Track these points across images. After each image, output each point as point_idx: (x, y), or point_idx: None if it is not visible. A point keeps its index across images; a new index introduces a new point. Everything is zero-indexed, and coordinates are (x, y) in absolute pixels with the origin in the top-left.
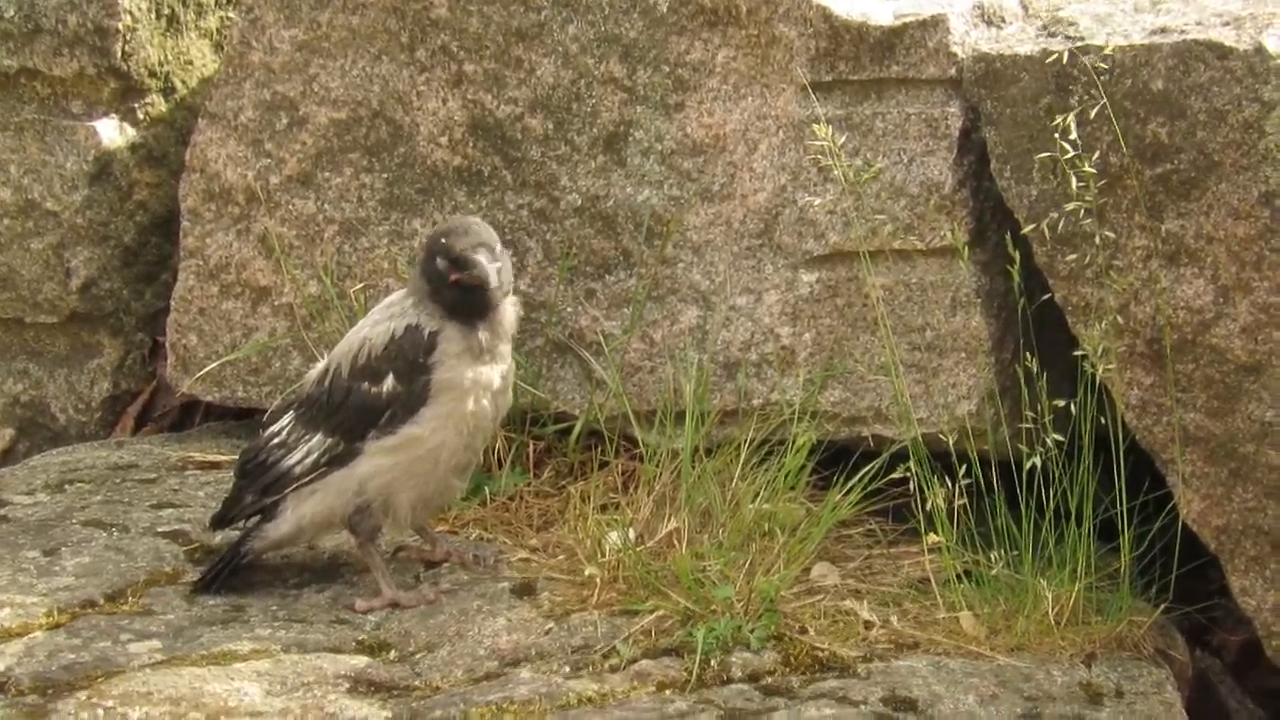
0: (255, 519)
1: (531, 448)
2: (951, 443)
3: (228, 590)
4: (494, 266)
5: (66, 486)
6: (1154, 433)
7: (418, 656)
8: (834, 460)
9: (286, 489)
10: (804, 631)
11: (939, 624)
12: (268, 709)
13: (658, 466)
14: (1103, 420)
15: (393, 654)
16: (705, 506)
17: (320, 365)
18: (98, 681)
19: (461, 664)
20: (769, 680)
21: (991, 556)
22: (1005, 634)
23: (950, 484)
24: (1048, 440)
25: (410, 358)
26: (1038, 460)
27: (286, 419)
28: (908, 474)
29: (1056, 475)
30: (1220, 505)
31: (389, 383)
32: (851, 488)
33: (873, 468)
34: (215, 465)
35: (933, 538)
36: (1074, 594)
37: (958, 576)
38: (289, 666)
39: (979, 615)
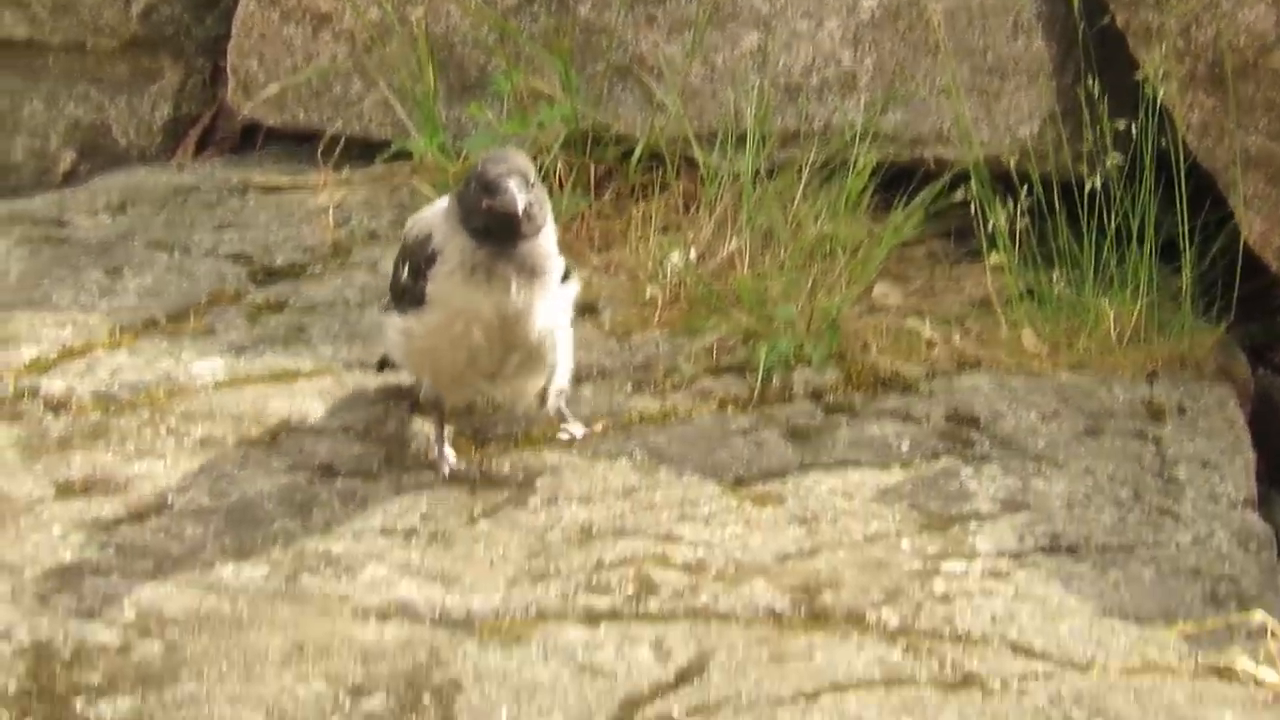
0: None
1: (593, 170)
2: (1013, 164)
3: None
4: (523, 196)
5: (128, 208)
6: (1215, 154)
7: None
8: (895, 183)
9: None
10: (866, 350)
11: (1001, 342)
12: (329, 426)
13: (719, 188)
14: (1163, 142)
15: None
16: (766, 228)
17: None
18: (160, 399)
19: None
20: (831, 398)
21: (1053, 276)
22: (1067, 352)
23: (1012, 205)
24: (1109, 161)
25: (419, 260)
26: (1098, 181)
27: None
28: (969, 196)
29: (1117, 196)
30: None
31: (404, 272)
32: (913, 209)
33: (935, 189)
34: (276, 188)
35: (994, 257)
36: (1136, 312)
37: (1020, 296)
38: (350, 384)
39: (1041, 333)
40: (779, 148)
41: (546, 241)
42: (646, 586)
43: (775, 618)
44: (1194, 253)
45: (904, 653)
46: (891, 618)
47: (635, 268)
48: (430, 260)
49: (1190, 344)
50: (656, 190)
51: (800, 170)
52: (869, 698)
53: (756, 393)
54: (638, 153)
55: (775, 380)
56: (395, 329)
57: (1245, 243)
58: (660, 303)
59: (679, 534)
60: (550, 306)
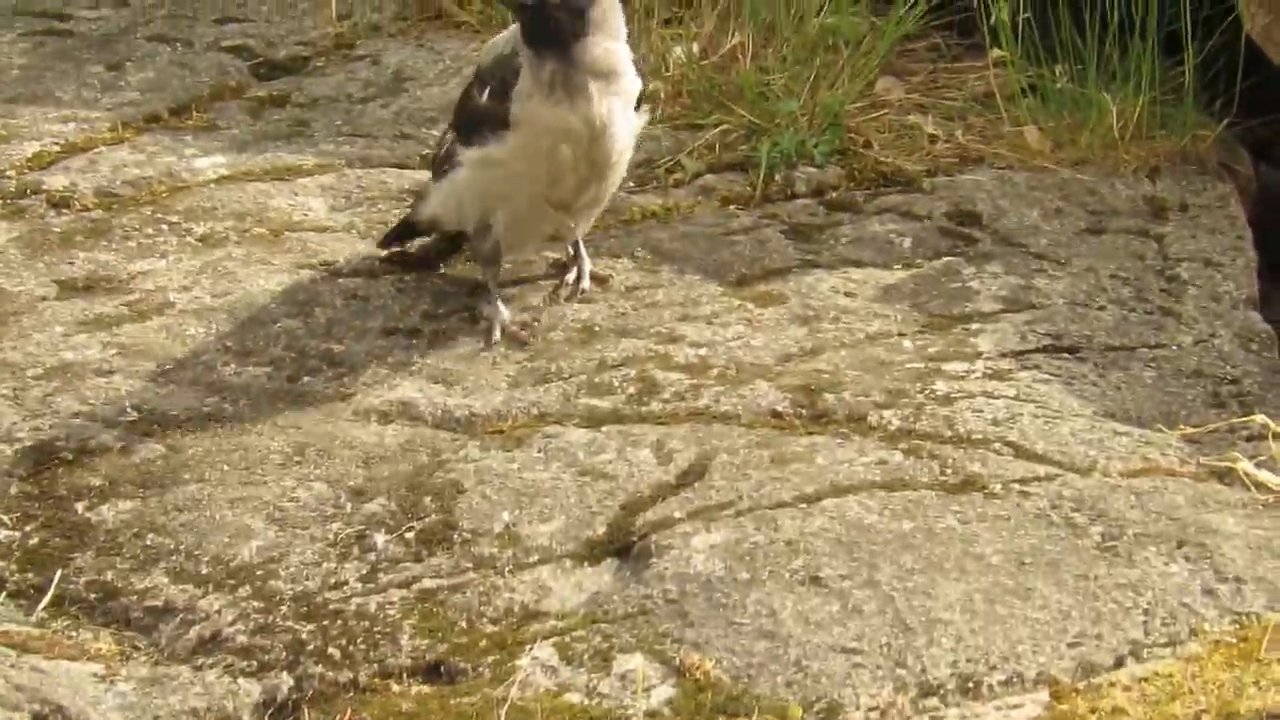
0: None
1: None
2: None
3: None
4: None
5: (130, 1)
6: None
7: None
8: None
9: (439, 178)
10: (868, 146)
11: (1004, 138)
12: (332, 223)
13: None
14: None
15: None
16: (769, 21)
17: None
18: (162, 196)
19: None
20: (833, 195)
21: (1056, 70)
22: (1070, 148)
23: None
24: None
25: (502, 79)
26: None
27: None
28: None
29: None
30: None
31: (485, 95)
32: (916, 2)
33: None
34: None
35: (997, 52)
36: (1138, 107)
37: (1022, 90)
38: (352, 181)
39: (1044, 129)
40: None
41: (619, 46)
42: (648, 387)
43: (777, 419)
44: (1196, 46)
45: (905, 455)
46: (893, 419)
47: (638, 61)
48: (511, 80)
49: (1192, 140)
50: None
51: None
52: (870, 500)
53: (759, 190)
54: None
55: (777, 177)
56: (470, 163)
57: (1247, 36)
58: (662, 97)
59: (681, 334)
60: (629, 123)
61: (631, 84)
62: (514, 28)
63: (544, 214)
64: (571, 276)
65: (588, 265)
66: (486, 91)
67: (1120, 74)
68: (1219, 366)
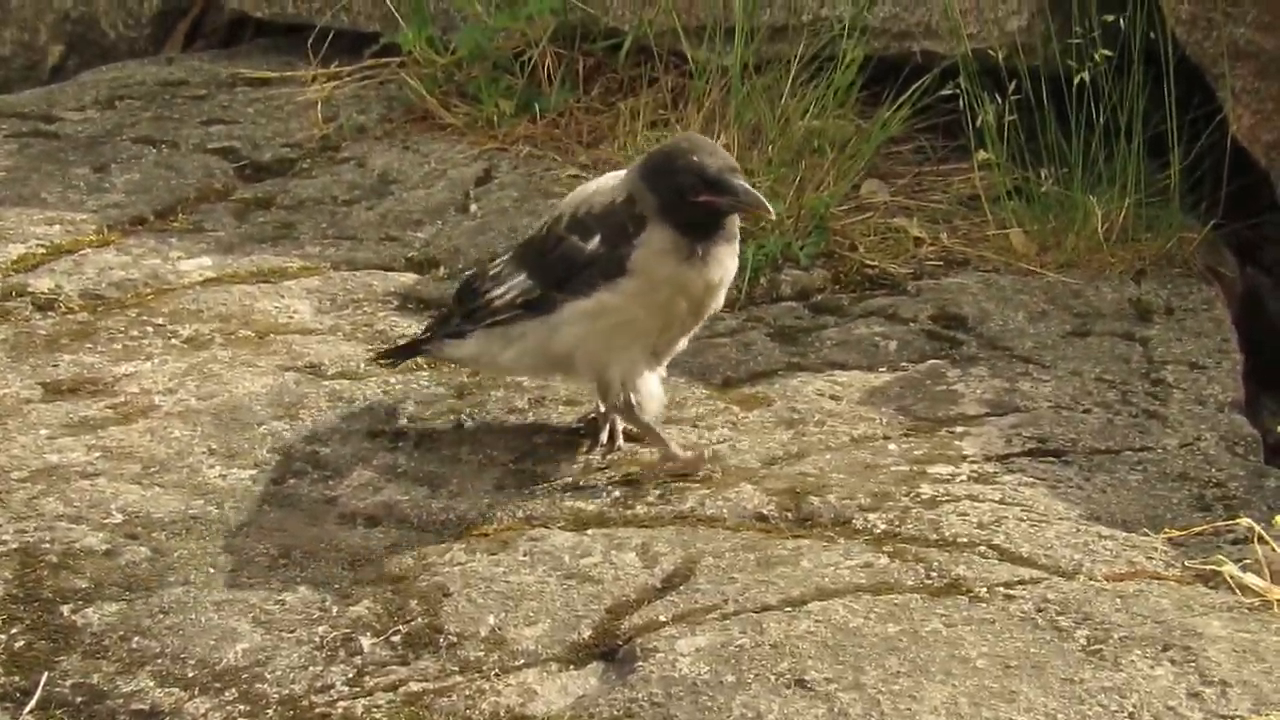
0: (441, 336)
1: (581, 64)
2: (1001, 58)
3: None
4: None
5: (117, 103)
6: (1204, 47)
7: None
8: (883, 77)
9: (484, 321)
10: (854, 248)
11: (989, 241)
12: (317, 326)
13: (707, 83)
14: (1152, 35)
15: (442, 271)
16: (755, 123)
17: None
18: (148, 298)
19: None
20: (818, 297)
21: (1041, 173)
22: (1055, 251)
23: (1000, 100)
24: (1097, 55)
25: (621, 226)
26: (1087, 75)
27: (508, 254)
28: (957, 90)
29: (1106, 91)
30: (1270, 120)
31: (595, 241)
32: (901, 104)
33: (923, 84)
34: (265, 82)
35: (983, 154)
36: (1124, 210)
37: (1008, 193)
38: (338, 284)
39: (1029, 232)
40: (767, 41)
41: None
42: (633, 491)
43: (762, 522)
44: (1182, 149)
45: (890, 558)
46: (878, 522)
47: (623, 163)
48: (632, 229)
49: (1178, 242)
50: (645, 85)
51: (788, 64)
52: (855, 603)
53: (744, 292)
54: (626, 46)
55: (763, 280)
56: (579, 318)
57: (1233, 138)
58: None
59: (665, 436)
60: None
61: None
62: (618, 174)
63: (647, 360)
64: (605, 436)
65: (620, 424)
66: (597, 239)
67: (1106, 176)
68: (1204, 470)
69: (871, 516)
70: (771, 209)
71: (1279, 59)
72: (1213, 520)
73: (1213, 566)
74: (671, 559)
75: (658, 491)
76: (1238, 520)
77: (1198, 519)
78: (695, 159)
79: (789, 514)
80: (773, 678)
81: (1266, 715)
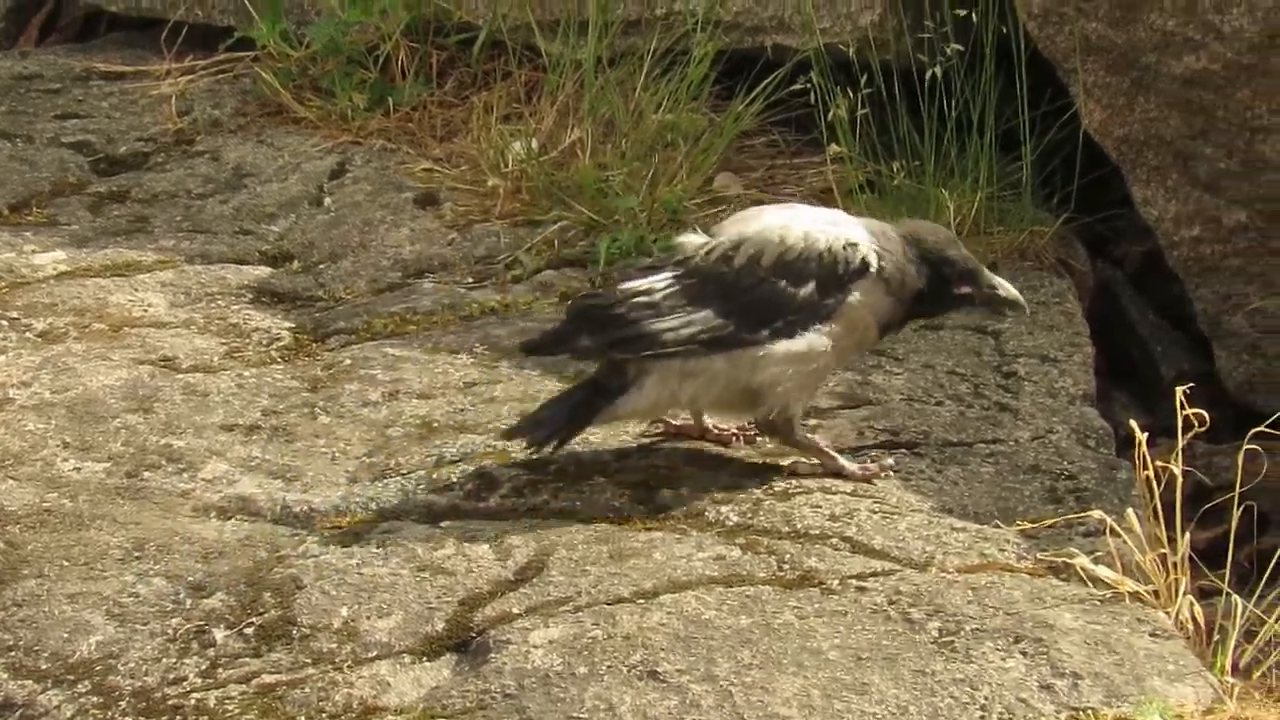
0: (604, 396)
1: (435, 58)
2: (853, 53)
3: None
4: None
5: None
6: (1056, 42)
7: (321, 267)
8: (736, 71)
9: (644, 351)
10: (604, 286)
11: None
12: (172, 319)
13: (561, 77)
14: (1004, 30)
15: (296, 265)
16: (608, 117)
17: (715, 241)
18: (1, 292)
19: (365, 275)
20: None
21: (893, 167)
22: None
23: (852, 94)
24: (949, 50)
25: (840, 275)
26: (939, 70)
27: (663, 280)
28: (810, 84)
29: (958, 85)
30: (1122, 115)
31: (809, 288)
32: (754, 98)
33: (775, 78)
34: (119, 76)
35: (835, 148)
36: (975, 204)
37: (860, 186)
38: (193, 277)
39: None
40: (620, 35)
41: None
42: (487, 483)
43: (615, 514)
44: (1034, 143)
45: (743, 550)
46: (731, 515)
47: (477, 157)
48: (860, 275)
49: (1030, 236)
50: (499, 79)
51: (642, 59)
52: (708, 595)
53: (597, 286)
54: (480, 40)
55: (616, 273)
56: (783, 359)
57: (1085, 132)
58: (502, 192)
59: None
60: None
61: None
62: (832, 223)
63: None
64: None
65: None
66: (812, 284)
67: (958, 170)
68: (1056, 462)
69: (724, 509)
70: (1027, 305)
71: (1130, 54)
72: (1064, 513)
73: (1064, 558)
74: (525, 551)
75: (510, 484)
76: (1089, 512)
77: (1049, 511)
78: (959, 252)
79: (642, 506)
80: (625, 669)
81: (1118, 707)
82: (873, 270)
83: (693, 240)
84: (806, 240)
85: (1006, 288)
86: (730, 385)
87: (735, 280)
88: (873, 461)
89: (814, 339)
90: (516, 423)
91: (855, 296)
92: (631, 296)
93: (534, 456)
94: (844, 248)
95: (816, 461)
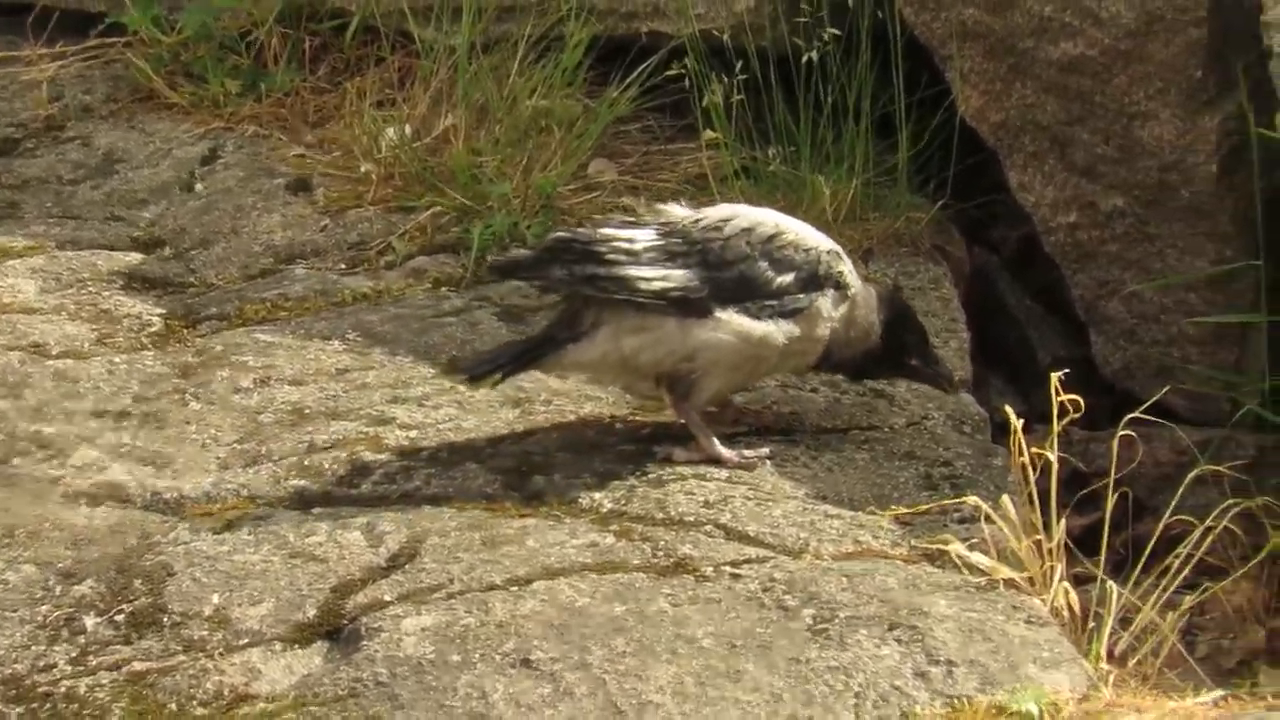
0: (554, 343)
1: (308, 44)
2: (729, 38)
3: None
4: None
5: None
6: (932, 28)
7: (193, 253)
8: (611, 57)
9: (615, 293)
10: (581, 228)
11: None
12: (42, 305)
13: (434, 63)
14: (880, 15)
15: (167, 251)
16: (482, 103)
17: (705, 214)
18: None
19: (236, 261)
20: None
21: (769, 153)
22: None
23: (728, 80)
24: (825, 35)
25: (819, 277)
26: (815, 55)
27: (648, 235)
28: (685, 70)
29: (834, 71)
30: (998, 100)
31: (788, 279)
32: (629, 84)
33: (650, 64)
34: None
35: (710, 134)
36: (852, 190)
37: (735, 173)
38: (63, 263)
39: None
40: (495, 21)
41: None
42: (359, 469)
43: (488, 501)
44: (910, 129)
45: (617, 537)
46: (605, 501)
47: (350, 143)
48: (832, 285)
49: (906, 222)
50: (372, 65)
51: (516, 44)
52: (581, 583)
53: (470, 272)
54: (353, 26)
55: (490, 259)
56: (730, 332)
57: (961, 118)
58: (375, 179)
59: (391, 416)
60: None
61: None
62: (821, 241)
63: (745, 384)
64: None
65: None
66: (792, 276)
67: (834, 156)
68: (931, 449)
69: (598, 495)
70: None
71: (1007, 40)
72: (940, 499)
73: (939, 545)
74: (397, 538)
75: (382, 470)
76: (965, 499)
77: (925, 498)
78: (922, 339)
79: (515, 493)
80: (498, 657)
81: (992, 694)
82: (849, 290)
83: (678, 210)
84: (797, 234)
85: (947, 366)
86: (673, 351)
87: (721, 250)
88: (749, 448)
89: (772, 329)
90: (462, 358)
91: (825, 305)
92: (613, 240)
93: (472, 387)
94: (828, 253)
95: (695, 453)
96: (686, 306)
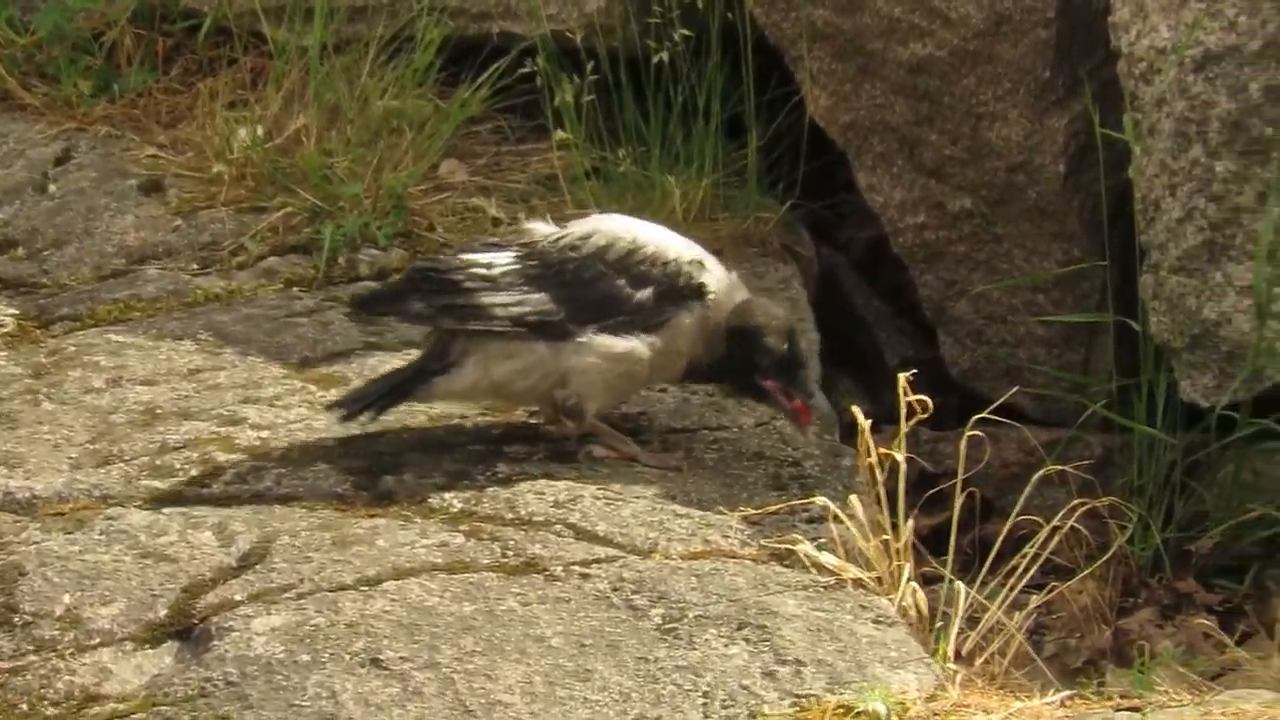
0: (425, 375)
1: (161, 45)
2: (580, 39)
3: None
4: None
5: None
6: (782, 28)
7: (45, 254)
8: (462, 57)
9: (472, 322)
10: (431, 228)
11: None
12: None
13: (286, 64)
14: (730, 16)
15: (20, 251)
16: (334, 104)
17: (567, 230)
18: None
19: (89, 262)
20: (396, 277)
21: (620, 153)
22: None
23: (579, 80)
24: (675, 35)
25: (679, 290)
26: (666, 56)
27: (505, 258)
28: (536, 70)
29: (684, 71)
30: (848, 101)
31: (646, 294)
32: (480, 84)
33: (501, 65)
34: None
35: (561, 134)
36: (701, 190)
37: (586, 173)
38: None
39: (607, 211)
40: (346, 22)
41: None
42: (210, 470)
43: (339, 501)
44: (760, 129)
45: (467, 537)
46: (455, 501)
47: (202, 144)
48: (696, 297)
49: (755, 222)
50: (225, 65)
51: (368, 45)
52: (431, 582)
53: (322, 272)
54: (206, 27)
55: (341, 260)
56: (597, 354)
57: (811, 118)
58: (227, 179)
59: (243, 416)
60: None
61: None
62: (689, 246)
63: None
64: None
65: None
66: (650, 290)
67: (684, 156)
68: (780, 449)
69: (448, 495)
70: (828, 420)
71: (856, 40)
72: (788, 499)
73: (788, 545)
74: (248, 538)
75: (234, 470)
76: (813, 499)
77: (773, 498)
78: (790, 353)
79: (365, 493)
80: (348, 657)
81: (840, 694)
82: (709, 297)
83: (542, 228)
84: (657, 247)
85: (821, 401)
86: (547, 375)
87: (576, 270)
88: (664, 450)
89: (636, 345)
90: (340, 396)
91: (686, 317)
92: (471, 267)
93: (349, 424)
94: (689, 263)
95: (611, 452)
96: (547, 330)
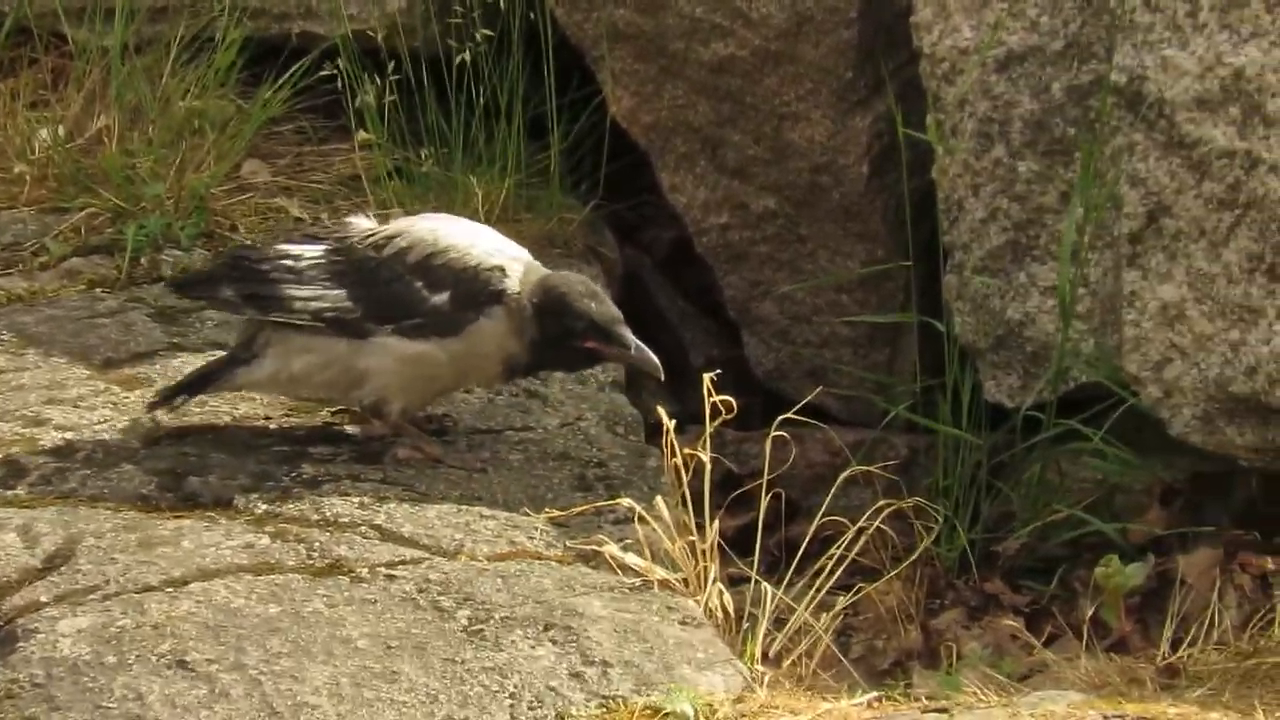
0: (229, 365)
1: None
2: (382, 39)
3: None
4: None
5: None
6: (584, 29)
7: None
8: (265, 57)
9: (274, 313)
10: (234, 229)
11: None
12: None
13: (87, 64)
14: (532, 16)
15: None
16: (135, 104)
17: (384, 226)
18: None
19: None
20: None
21: (422, 154)
22: None
23: (380, 81)
24: (477, 36)
25: (476, 294)
26: (468, 56)
27: (314, 251)
28: (337, 71)
29: (487, 71)
30: (650, 102)
31: (442, 298)
32: (282, 84)
33: (302, 65)
34: None
35: (363, 134)
36: (504, 190)
37: (389, 173)
38: None
39: (410, 211)
40: (148, 22)
41: None
42: (14, 471)
43: (144, 502)
44: (562, 130)
45: (272, 538)
46: (259, 503)
47: (3, 144)
48: (494, 302)
49: (559, 222)
50: (25, 65)
51: (169, 45)
52: (237, 584)
53: (125, 273)
54: (6, 26)
55: (143, 260)
56: (392, 356)
57: (613, 119)
58: (29, 180)
59: (47, 417)
60: None
61: None
62: (491, 242)
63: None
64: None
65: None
66: (447, 295)
67: (486, 157)
68: (586, 450)
69: (253, 496)
70: (662, 371)
71: (658, 41)
72: (594, 500)
73: (594, 546)
74: (53, 539)
75: (39, 472)
76: (619, 500)
77: (579, 499)
78: (586, 305)
79: (170, 494)
80: (154, 658)
81: (647, 695)
82: (509, 300)
83: (361, 223)
84: (457, 251)
85: (643, 351)
86: (346, 371)
87: (376, 269)
88: (469, 450)
89: (430, 348)
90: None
91: (486, 322)
92: (281, 258)
93: (153, 417)
94: (490, 269)
95: (415, 451)
96: (344, 327)
